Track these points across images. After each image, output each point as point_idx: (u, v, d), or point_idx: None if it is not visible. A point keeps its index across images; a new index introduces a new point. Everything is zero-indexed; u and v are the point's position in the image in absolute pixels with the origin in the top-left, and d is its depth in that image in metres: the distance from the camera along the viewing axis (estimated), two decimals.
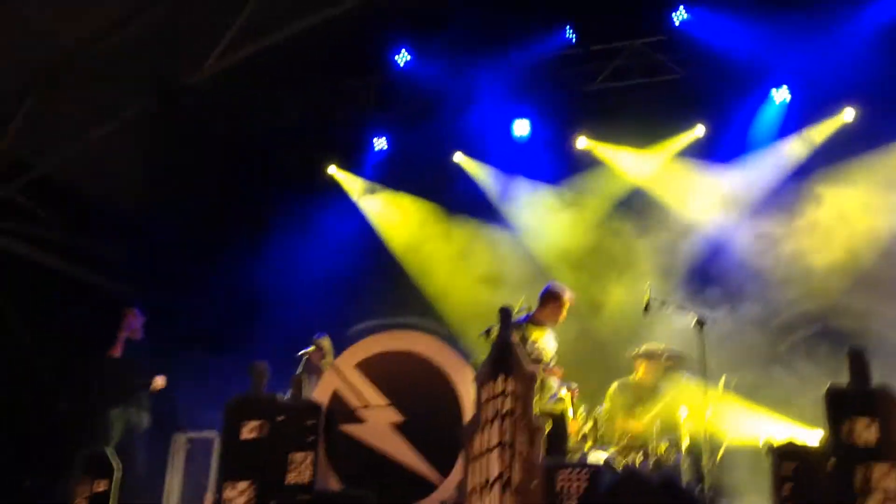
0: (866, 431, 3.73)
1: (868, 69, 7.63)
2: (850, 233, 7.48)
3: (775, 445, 3.90)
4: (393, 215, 9.75)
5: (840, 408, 3.79)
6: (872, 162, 7.74)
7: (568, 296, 6.25)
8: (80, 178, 8.93)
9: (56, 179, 8.86)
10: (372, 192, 9.89)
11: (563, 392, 6.02)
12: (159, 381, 7.16)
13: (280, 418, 4.84)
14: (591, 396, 6.61)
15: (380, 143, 9.81)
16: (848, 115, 8.03)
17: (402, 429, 5.09)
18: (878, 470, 3.65)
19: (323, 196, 9.77)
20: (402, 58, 9.20)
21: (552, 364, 6.13)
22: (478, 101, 9.21)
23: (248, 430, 4.87)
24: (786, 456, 3.82)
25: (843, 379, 3.91)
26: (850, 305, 7.40)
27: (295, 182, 9.76)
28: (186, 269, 9.15)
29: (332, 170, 9.96)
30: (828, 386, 3.90)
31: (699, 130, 8.59)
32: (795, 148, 8.22)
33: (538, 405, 5.58)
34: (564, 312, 6.07)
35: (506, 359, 4.65)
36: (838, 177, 7.76)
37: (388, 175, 9.84)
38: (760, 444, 4.00)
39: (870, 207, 7.54)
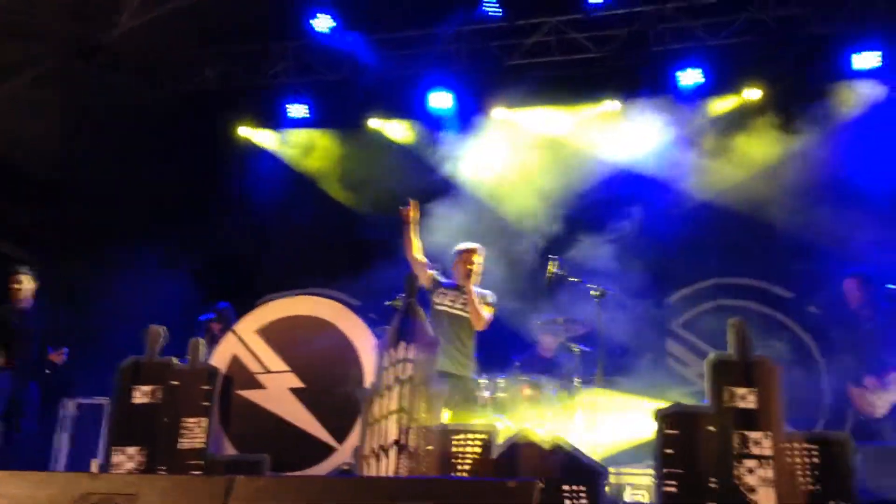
0: (745, 399, 3.89)
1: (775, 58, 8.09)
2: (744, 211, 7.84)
3: (662, 409, 4.03)
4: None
5: (722, 376, 3.95)
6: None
7: (459, 251, 6.12)
8: None
9: None
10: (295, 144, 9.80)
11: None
12: (58, 357, 6.84)
13: (174, 383, 4.76)
14: (491, 364, 6.72)
15: (297, 110, 9.68)
16: (752, 94, 8.39)
17: (301, 394, 5.05)
18: (754, 436, 3.81)
19: (239, 160, 9.64)
20: (324, 24, 9.06)
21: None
22: (397, 70, 9.22)
23: (141, 395, 4.77)
24: (670, 419, 3.96)
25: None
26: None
27: (210, 146, 9.58)
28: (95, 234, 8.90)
29: (249, 132, 9.83)
30: (712, 355, 4.04)
31: (613, 105, 8.80)
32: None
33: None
34: (463, 267, 5.97)
35: (408, 325, 4.69)
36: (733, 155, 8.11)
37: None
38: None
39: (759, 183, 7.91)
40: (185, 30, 8.55)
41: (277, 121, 9.84)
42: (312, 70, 9.51)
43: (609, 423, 6.25)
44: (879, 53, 7.92)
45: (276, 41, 9.44)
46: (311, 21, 9.01)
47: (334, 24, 8.99)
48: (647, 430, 4.06)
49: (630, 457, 6.41)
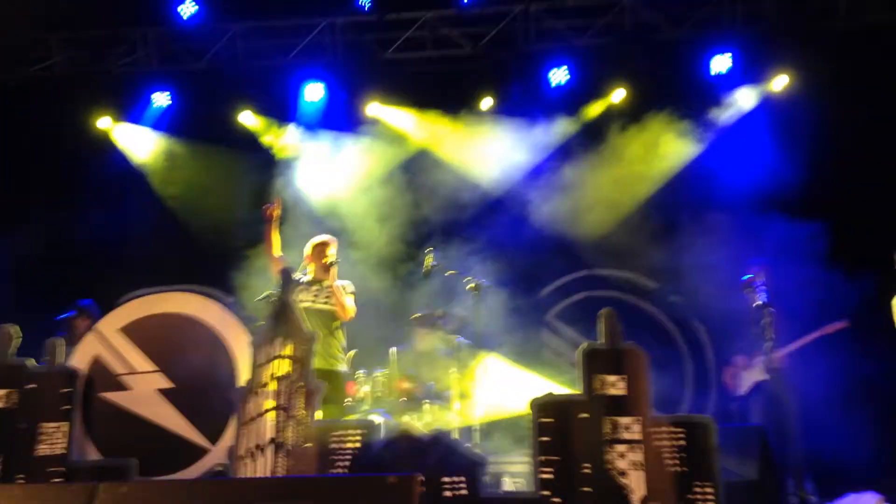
0: (615, 386, 4.03)
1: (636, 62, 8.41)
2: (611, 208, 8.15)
3: (536, 399, 4.11)
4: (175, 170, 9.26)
5: (593, 364, 4.07)
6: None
7: (312, 245, 6.01)
8: None
9: None
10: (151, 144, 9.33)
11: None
12: None
13: (31, 386, 4.46)
14: (370, 360, 6.70)
15: (160, 99, 9.25)
16: (617, 95, 8.67)
17: (170, 395, 4.84)
18: (624, 422, 3.96)
19: (93, 152, 9.11)
20: (187, 9, 8.72)
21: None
22: (269, 60, 8.98)
23: None
24: (544, 408, 4.05)
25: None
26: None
27: (61, 135, 9.01)
28: None
29: (106, 122, 9.28)
30: (584, 345, 4.16)
31: (486, 103, 8.90)
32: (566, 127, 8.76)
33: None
34: (319, 261, 5.89)
35: (284, 321, 4.58)
36: (601, 155, 8.40)
37: (169, 133, 9.36)
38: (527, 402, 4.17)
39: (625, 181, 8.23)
40: (32, 11, 8.05)
41: (138, 113, 9.36)
42: (175, 59, 9.12)
43: (486, 410, 6.37)
44: (730, 55, 8.41)
45: (135, 26, 8.98)
46: (177, 7, 8.69)
47: (197, 7, 8.68)
48: (525, 417, 4.13)
49: (508, 446, 6.55)
